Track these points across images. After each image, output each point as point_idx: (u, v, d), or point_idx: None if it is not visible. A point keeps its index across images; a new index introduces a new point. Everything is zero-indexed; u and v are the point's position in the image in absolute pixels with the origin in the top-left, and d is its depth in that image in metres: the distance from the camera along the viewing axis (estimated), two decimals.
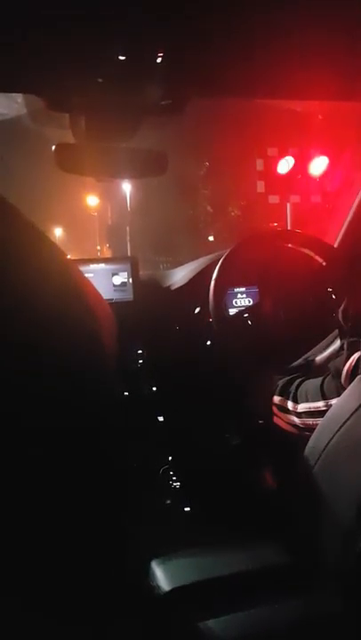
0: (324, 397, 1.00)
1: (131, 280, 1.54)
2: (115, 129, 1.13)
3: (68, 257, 0.70)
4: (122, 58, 0.91)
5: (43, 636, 0.37)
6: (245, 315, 1.44)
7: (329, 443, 0.76)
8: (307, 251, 1.46)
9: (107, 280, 1.53)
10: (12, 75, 0.97)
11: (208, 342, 1.46)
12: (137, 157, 1.21)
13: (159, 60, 0.92)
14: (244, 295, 1.58)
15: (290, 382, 1.12)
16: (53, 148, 1.12)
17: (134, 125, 1.13)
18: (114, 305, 1.49)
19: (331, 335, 1.18)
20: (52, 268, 0.41)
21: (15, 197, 0.44)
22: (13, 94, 1.15)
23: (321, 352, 1.18)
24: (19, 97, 1.15)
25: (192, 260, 1.70)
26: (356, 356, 0.94)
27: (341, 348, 1.07)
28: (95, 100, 1.06)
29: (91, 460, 0.40)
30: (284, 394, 1.10)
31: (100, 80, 0.98)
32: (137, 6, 0.77)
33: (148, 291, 1.57)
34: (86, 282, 0.48)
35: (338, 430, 0.75)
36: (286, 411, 1.09)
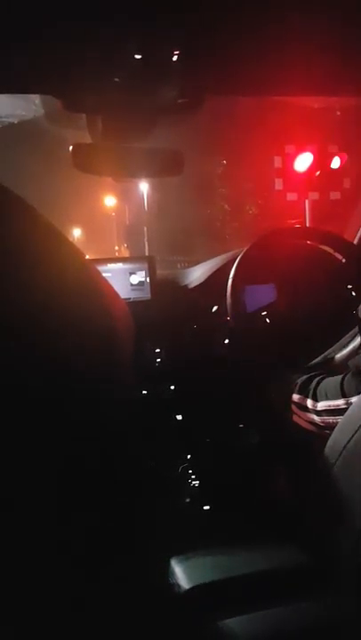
0: (345, 395, 0.99)
1: (148, 279, 1.55)
2: (131, 128, 1.13)
3: (87, 257, 0.70)
4: (138, 57, 0.91)
5: (65, 635, 0.37)
6: (263, 313, 1.43)
7: (349, 441, 0.76)
8: (326, 247, 1.45)
9: (124, 279, 1.54)
10: (29, 76, 0.98)
11: (226, 341, 1.45)
12: (154, 157, 1.21)
13: (175, 58, 0.92)
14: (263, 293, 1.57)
15: (309, 380, 1.11)
16: (70, 148, 1.13)
17: (151, 124, 1.14)
18: (131, 304, 1.50)
19: (351, 333, 1.17)
20: (71, 267, 0.41)
21: (34, 198, 0.45)
22: (31, 96, 1.16)
23: (341, 350, 1.17)
24: (36, 98, 1.16)
25: (209, 259, 1.70)
26: None
27: None
28: (112, 100, 1.06)
29: (108, 458, 0.41)
30: (304, 392, 1.10)
31: (116, 80, 0.99)
32: (152, 5, 0.77)
33: (165, 290, 1.58)
34: (104, 281, 0.48)
35: (358, 428, 0.75)
36: (306, 409, 1.08)
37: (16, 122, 1.35)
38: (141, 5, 0.78)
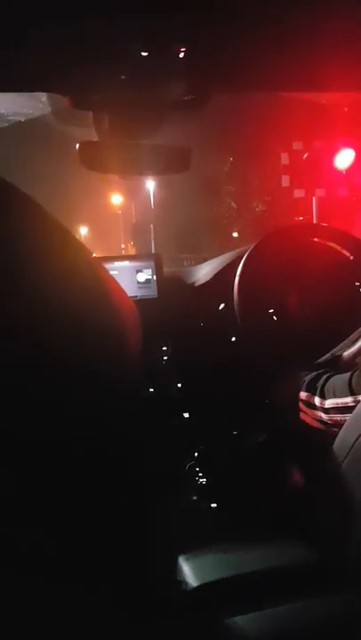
0: (353, 393, 0.98)
1: (155, 277, 1.55)
2: (138, 126, 1.13)
3: (94, 255, 0.70)
4: (144, 54, 0.91)
5: (68, 637, 0.37)
6: (271, 310, 1.42)
7: (357, 439, 0.75)
8: (333, 244, 1.44)
9: (131, 277, 1.54)
10: (35, 74, 0.98)
11: (233, 338, 1.45)
12: (160, 154, 1.21)
13: (182, 55, 0.92)
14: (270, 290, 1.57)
15: (317, 378, 1.10)
16: (77, 146, 1.13)
17: (157, 122, 1.13)
18: (138, 302, 1.50)
19: (358, 330, 1.16)
20: (78, 266, 0.41)
21: (41, 196, 0.45)
22: (37, 94, 1.16)
23: (349, 347, 1.16)
24: (43, 96, 1.17)
25: (216, 256, 1.69)
26: None
27: None
28: (118, 97, 1.06)
29: (108, 458, 0.40)
30: (311, 389, 1.09)
31: (122, 77, 0.98)
32: (158, 1, 0.77)
33: (172, 287, 1.58)
34: (111, 280, 0.48)
35: None
36: (313, 407, 1.07)
37: (23, 120, 1.35)
38: (147, 2, 0.77)
